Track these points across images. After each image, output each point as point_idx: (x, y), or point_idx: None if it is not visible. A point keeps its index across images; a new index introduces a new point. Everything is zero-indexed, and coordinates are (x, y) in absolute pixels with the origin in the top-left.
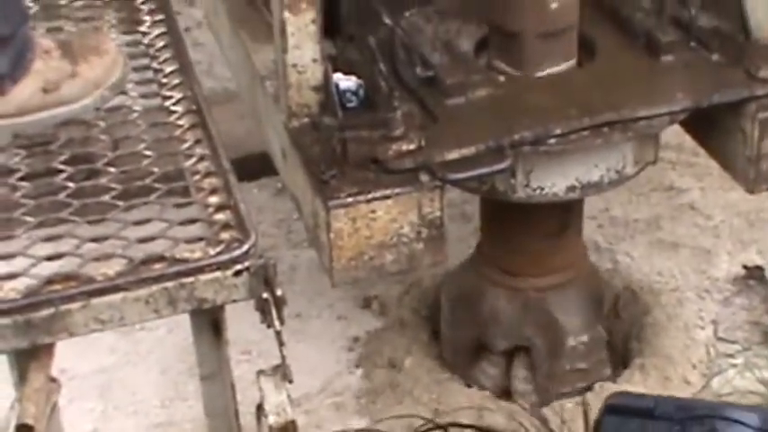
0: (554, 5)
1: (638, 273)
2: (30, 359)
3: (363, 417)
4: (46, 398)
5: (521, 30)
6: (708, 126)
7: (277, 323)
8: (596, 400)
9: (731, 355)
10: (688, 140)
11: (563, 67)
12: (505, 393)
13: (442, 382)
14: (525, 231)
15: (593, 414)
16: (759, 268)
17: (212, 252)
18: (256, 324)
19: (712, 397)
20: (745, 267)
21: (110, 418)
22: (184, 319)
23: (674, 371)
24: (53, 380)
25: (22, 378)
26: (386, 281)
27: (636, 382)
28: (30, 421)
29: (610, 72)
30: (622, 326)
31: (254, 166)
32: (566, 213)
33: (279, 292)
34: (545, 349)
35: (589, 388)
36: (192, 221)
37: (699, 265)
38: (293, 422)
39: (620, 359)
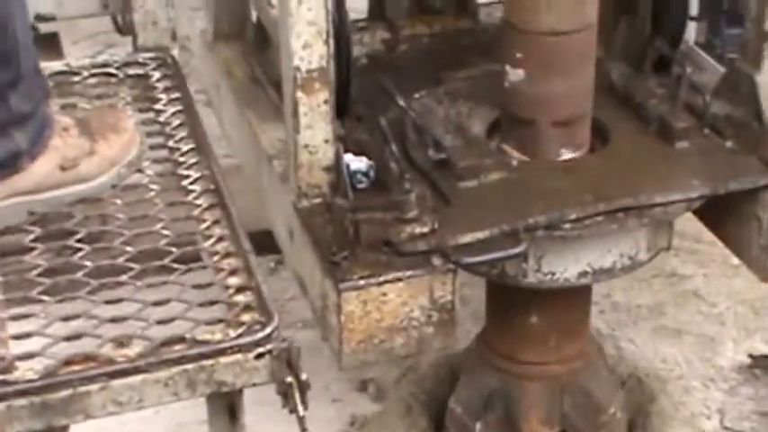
0: (569, 95)
1: (642, 360)
2: None
3: None
4: None
5: (534, 118)
6: (722, 213)
7: (301, 408)
8: None
9: None
10: (690, 227)
11: (576, 153)
12: None
13: None
14: (533, 317)
15: None
16: (765, 357)
17: (233, 334)
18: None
19: None
20: (750, 356)
21: None
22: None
23: None
24: None
25: None
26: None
27: None
28: None
29: (624, 158)
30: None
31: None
32: (575, 300)
33: (303, 377)
34: None
35: None
36: (212, 303)
37: (703, 353)
38: None
39: None
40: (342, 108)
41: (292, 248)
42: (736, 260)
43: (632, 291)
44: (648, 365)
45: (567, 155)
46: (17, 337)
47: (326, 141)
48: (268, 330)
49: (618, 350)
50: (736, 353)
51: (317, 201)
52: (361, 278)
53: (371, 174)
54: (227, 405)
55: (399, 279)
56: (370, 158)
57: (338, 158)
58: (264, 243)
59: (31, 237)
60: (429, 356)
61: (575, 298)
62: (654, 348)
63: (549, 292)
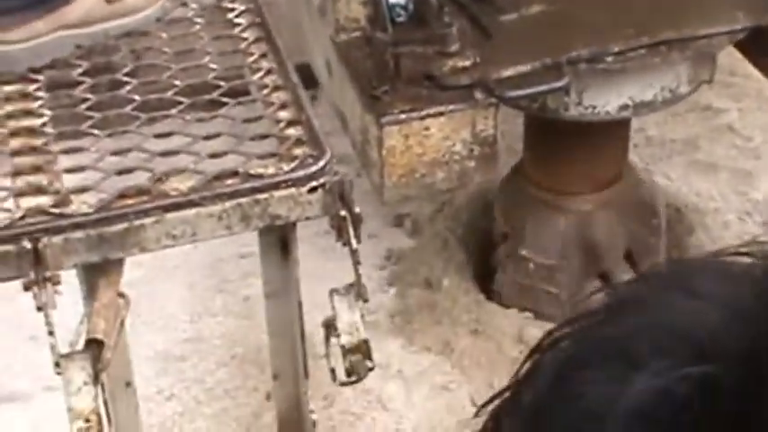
0: None
1: (677, 194)
2: (100, 274)
3: (398, 336)
4: (115, 313)
5: None
6: (764, 46)
7: (354, 241)
8: None
9: None
10: (724, 60)
11: None
12: None
13: (480, 303)
14: (573, 150)
15: None
16: None
17: (286, 168)
18: None
19: None
20: None
21: (138, 332)
22: None
23: None
24: (122, 295)
25: (91, 293)
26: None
27: None
28: (100, 336)
29: None
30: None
31: None
32: (614, 133)
33: (356, 210)
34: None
35: None
36: (263, 137)
37: (738, 187)
38: (366, 342)
39: None
40: None
41: (331, 82)
42: None
43: (666, 125)
44: (684, 199)
45: None
46: (70, 171)
47: None
48: (321, 164)
49: (652, 183)
50: None
51: (356, 34)
52: (403, 112)
53: (410, 7)
54: (279, 239)
55: (441, 113)
56: None
57: None
58: (301, 78)
59: (79, 71)
60: (463, 191)
61: (614, 132)
62: (688, 182)
63: (589, 125)
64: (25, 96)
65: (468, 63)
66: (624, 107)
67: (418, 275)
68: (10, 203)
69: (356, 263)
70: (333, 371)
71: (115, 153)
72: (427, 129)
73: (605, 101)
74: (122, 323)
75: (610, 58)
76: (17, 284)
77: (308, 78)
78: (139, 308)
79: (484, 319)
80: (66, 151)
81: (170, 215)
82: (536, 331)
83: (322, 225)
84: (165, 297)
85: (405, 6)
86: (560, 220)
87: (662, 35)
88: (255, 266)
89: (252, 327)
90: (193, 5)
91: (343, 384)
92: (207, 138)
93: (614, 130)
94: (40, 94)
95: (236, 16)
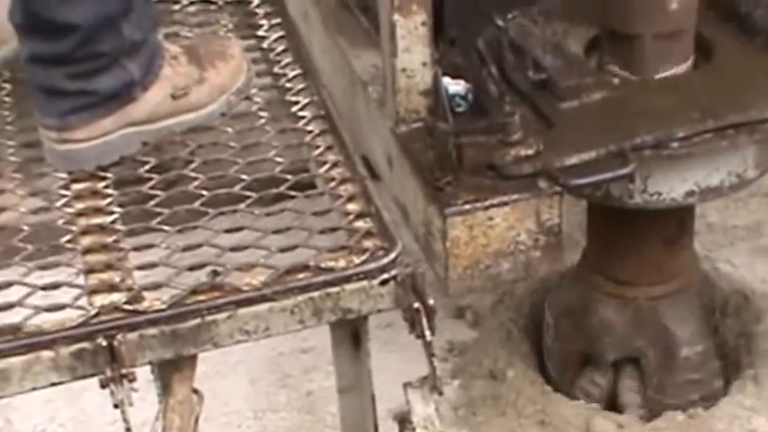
0: (674, 6)
1: (742, 280)
2: (174, 370)
3: (462, 428)
4: (190, 409)
5: (638, 32)
6: None
7: (428, 333)
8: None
9: None
10: None
11: (680, 68)
12: (611, 406)
13: (546, 393)
14: (637, 238)
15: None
16: None
17: (357, 261)
18: None
19: None
20: None
21: (201, 428)
22: None
23: None
24: (195, 391)
25: (165, 389)
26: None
27: (749, 394)
28: None
29: (730, 72)
30: (731, 332)
31: None
32: (679, 220)
33: (430, 302)
34: (657, 360)
35: (704, 398)
36: (333, 230)
37: None
38: None
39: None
40: (436, 31)
41: (392, 175)
42: None
43: (728, 211)
44: (750, 285)
45: (670, 70)
46: (141, 268)
47: (424, 65)
48: (392, 256)
49: (715, 271)
50: None
51: (416, 126)
52: (467, 203)
53: (470, 97)
54: (351, 332)
55: (505, 203)
56: (467, 82)
57: (436, 82)
58: None
59: (147, 167)
60: (525, 281)
61: (679, 218)
62: (753, 269)
63: (655, 212)
64: (95, 194)
65: (530, 152)
66: (690, 193)
67: (482, 367)
68: (83, 301)
69: (431, 355)
70: None
71: (186, 249)
72: (491, 219)
73: (670, 187)
74: (197, 419)
75: (675, 144)
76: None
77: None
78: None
79: (549, 409)
80: (137, 248)
81: (242, 310)
82: (603, 422)
83: (383, 318)
84: (228, 392)
85: (465, 96)
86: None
87: (728, 119)
88: (317, 361)
89: (315, 422)
90: (257, 99)
91: None
92: (276, 232)
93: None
94: (109, 191)
95: (301, 109)
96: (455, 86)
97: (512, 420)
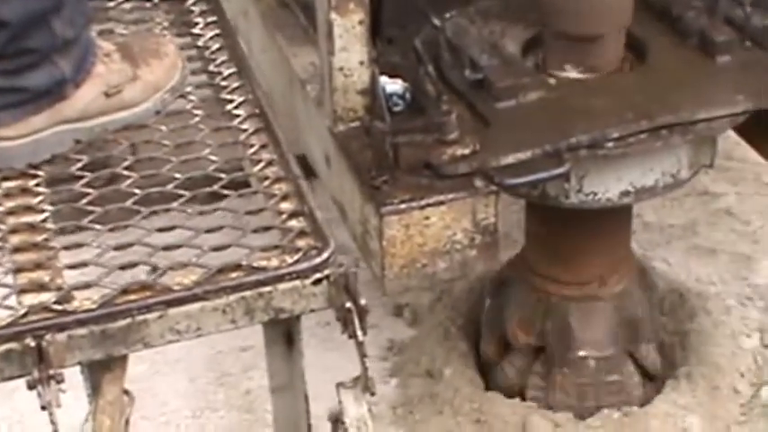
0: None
1: (676, 279)
2: (104, 371)
3: (400, 427)
4: (120, 411)
5: (598, 33)
6: (764, 129)
7: (360, 333)
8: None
9: None
10: (720, 144)
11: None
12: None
13: (483, 392)
14: (569, 238)
15: None
16: None
17: (290, 260)
18: None
19: (762, 406)
20: None
21: (140, 428)
22: None
23: (722, 380)
24: (126, 392)
25: (95, 390)
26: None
27: (683, 392)
28: None
29: (663, 73)
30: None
31: None
32: (615, 220)
33: (362, 302)
34: (558, 357)
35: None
36: (266, 229)
37: (739, 272)
38: None
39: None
40: (373, 29)
41: (330, 174)
42: None
43: (664, 210)
44: (685, 284)
45: (604, 71)
46: (72, 267)
47: (362, 63)
48: (325, 255)
49: (651, 270)
50: None
51: (354, 125)
52: (403, 202)
53: (407, 96)
54: (284, 332)
55: (441, 202)
56: (404, 81)
57: (374, 81)
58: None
59: (78, 165)
60: (463, 280)
61: (615, 218)
62: (688, 268)
63: (590, 212)
64: (25, 192)
65: (467, 151)
66: (625, 193)
67: (419, 366)
68: (12, 301)
69: (362, 355)
70: None
71: (117, 248)
72: (428, 218)
73: (606, 187)
74: (127, 421)
75: (610, 144)
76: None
77: (304, 170)
78: (141, 402)
79: (486, 408)
80: (68, 247)
81: (174, 310)
82: (539, 420)
83: (322, 316)
84: (167, 391)
85: (402, 95)
86: (604, 308)
87: (661, 119)
88: (256, 359)
89: (254, 421)
90: (192, 97)
91: None
92: (209, 231)
93: (615, 220)
94: (40, 189)
95: (235, 107)
96: (392, 85)
97: (449, 419)
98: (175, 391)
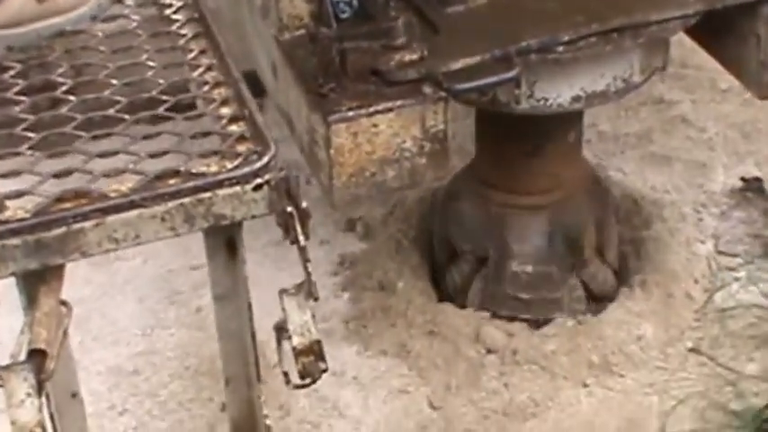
0: None
1: (632, 187)
2: (39, 282)
3: (353, 342)
4: (58, 322)
5: None
6: (717, 31)
7: (302, 238)
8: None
9: (733, 269)
10: (675, 52)
11: None
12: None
13: (436, 304)
14: (519, 145)
15: None
16: (757, 180)
17: (229, 166)
18: None
19: (715, 312)
20: (742, 179)
21: (89, 349)
22: (160, 248)
23: (676, 287)
24: (63, 303)
25: (31, 302)
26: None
27: (638, 300)
28: (42, 346)
29: None
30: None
31: None
32: (567, 126)
33: (304, 205)
34: (493, 268)
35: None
36: (205, 134)
37: (694, 179)
38: (318, 342)
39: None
40: None
41: (277, 84)
42: (724, 84)
43: (619, 119)
44: (640, 192)
45: None
46: (4, 176)
47: None
48: (265, 160)
49: (606, 179)
50: (727, 177)
51: (300, 33)
52: (350, 109)
53: (354, 3)
54: (225, 240)
55: (390, 109)
56: None
57: None
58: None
59: (11, 72)
60: (414, 192)
61: (567, 124)
62: (643, 176)
63: (542, 118)
64: None
65: (415, 57)
66: (577, 98)
67: (372, 279)
68: None
69: (305, 260)
70: (286, 375)
71: (56, 176)
72: (376, 126)
73: (557, 93)
74: (65, 332)
75: (560, 48)
76: None
77: (255, 86)
78: (90, 324)
79: (439, 319)
80: (5, 175)
81: (111, 218)
82: (493, 330)
83: (274, 235)
84: (116, 312)
85: (349, 2)
86: (542, 221)
87: (613, 22)
88: (207, 278)
89: (205, 338)
90: (129, 2)
91: (296, 388)
92: (146, 137)
93: (567, 126)
94: None
95: (174, 12)
96: None
97: (402, 331)
98: (125, 312)
